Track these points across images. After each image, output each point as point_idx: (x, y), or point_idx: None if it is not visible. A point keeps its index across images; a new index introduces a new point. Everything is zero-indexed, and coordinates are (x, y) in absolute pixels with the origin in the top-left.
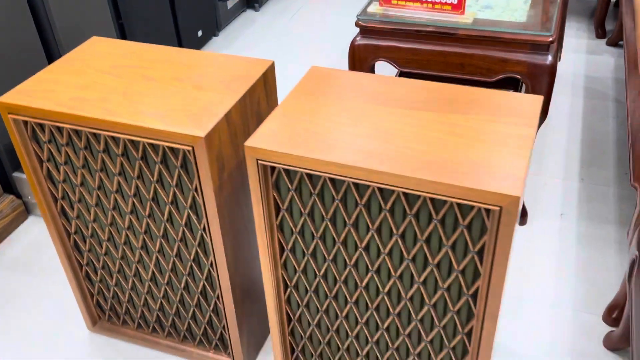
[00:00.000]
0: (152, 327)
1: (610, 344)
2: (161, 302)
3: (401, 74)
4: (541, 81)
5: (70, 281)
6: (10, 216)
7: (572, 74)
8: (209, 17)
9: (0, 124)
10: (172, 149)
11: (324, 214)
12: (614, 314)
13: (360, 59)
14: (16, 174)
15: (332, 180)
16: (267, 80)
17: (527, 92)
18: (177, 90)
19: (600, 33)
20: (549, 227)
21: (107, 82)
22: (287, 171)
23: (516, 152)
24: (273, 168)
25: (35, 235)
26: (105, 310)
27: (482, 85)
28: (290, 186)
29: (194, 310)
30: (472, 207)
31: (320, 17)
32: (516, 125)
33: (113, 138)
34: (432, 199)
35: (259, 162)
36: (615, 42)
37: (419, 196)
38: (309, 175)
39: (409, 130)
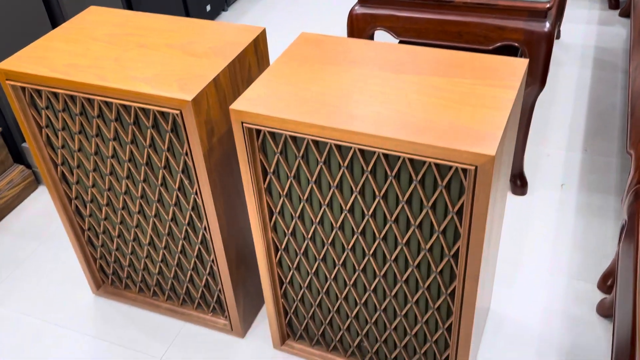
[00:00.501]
0: (153, 290)
1: (603, 310)
2: (160, 266)
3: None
4: (538, 48)
5: (73, 246)
6: (20, 185)
7: (582, 45)
8: None
9: None
10: (162, 114)
11: (309, 176)
12: (608, 281)
13: (359, 29)
14: (25, 145)
15: (315, 142)
16: (258, 47)
17: None
18: (168, 57)
19: (613, 4)
20: (549, 197)
21: (100, 50)
22: (272, 134)
23: (495, 113)
24: (259, 131)
25: (44, 204)
26: (108, 275)
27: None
28: (275, 149)
29: (191, 274)
30: (450, 167)
31: None
32: (498, 88)
33: (106, 103)
34: (411, 160)
35: (245, 125)
36: (628, 12)
37: (399, 157)
38: (293, 138)
39: (392, 93)
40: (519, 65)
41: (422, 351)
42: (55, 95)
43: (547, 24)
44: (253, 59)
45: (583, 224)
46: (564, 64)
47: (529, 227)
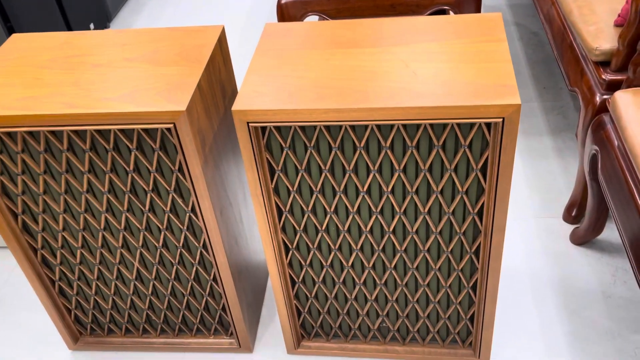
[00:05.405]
0: (143, 328)
1: (577, 238)
2: (150, 300)
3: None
4: (469, 9)
5: (43, 302)
6: None
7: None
8: (99, 7)
9: None
10: (147, 132)
11: (322, 165)
12: (573, 212)
13: (290, 17)
14: None
15: (327, 128)
16: (222, 47)
17: None
18: (133, 71)
19: None
20: None
21: (52, 77)
22: (278, 129)
23: (500, 65)
24: (264, 129)
25: None
26: (86, 325)
27: None
28: (283, 144)
29: (187, 299)
30: (473, 125)
31: None
32: (488, 42)
33: (77, 133)
34: (432, 126)
35: (250, 125)
36: None
37: (418, 126)
38: (303, 128)
39: (390, 66)
40: (495, 18)
41: (447, 315)
42: (11, 135)
43: None
44: (220, 59)
45: (529, 166)
46: None
47: None
